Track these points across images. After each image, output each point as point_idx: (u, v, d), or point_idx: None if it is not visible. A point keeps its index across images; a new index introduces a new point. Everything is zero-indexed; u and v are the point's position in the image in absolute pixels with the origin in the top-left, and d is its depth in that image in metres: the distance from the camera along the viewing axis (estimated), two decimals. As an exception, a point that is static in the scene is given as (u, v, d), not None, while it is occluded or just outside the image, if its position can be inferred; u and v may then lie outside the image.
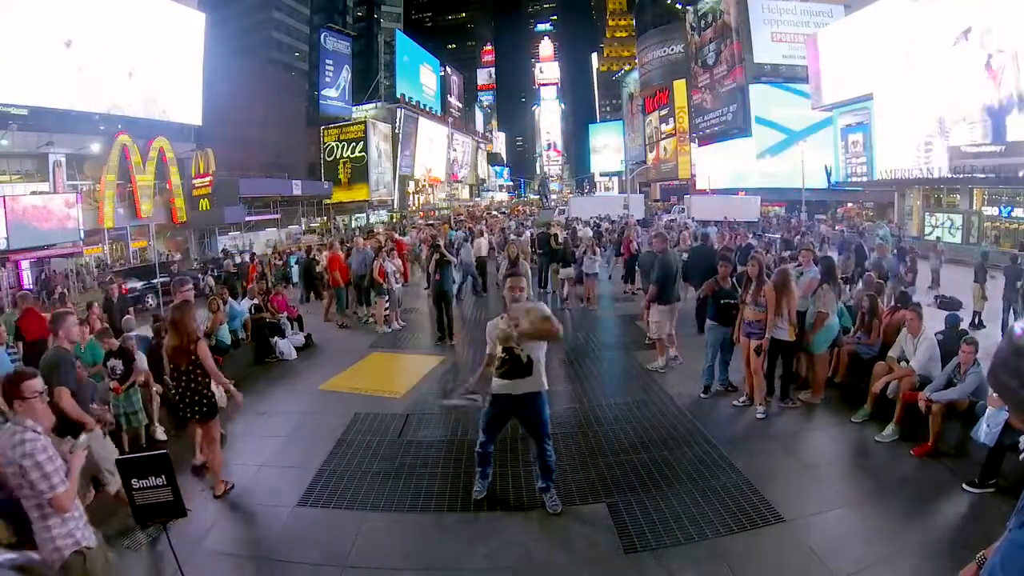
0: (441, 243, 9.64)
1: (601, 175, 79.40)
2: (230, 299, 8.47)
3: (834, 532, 3.68)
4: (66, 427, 3.70)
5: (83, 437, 3.42)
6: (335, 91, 46.37)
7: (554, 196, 63.64)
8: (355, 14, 69.23)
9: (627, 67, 74.70)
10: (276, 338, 8.22)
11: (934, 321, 6.09)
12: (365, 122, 45.69)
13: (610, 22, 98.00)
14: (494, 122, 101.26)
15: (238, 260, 16.65)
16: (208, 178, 27.16)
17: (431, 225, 29.25)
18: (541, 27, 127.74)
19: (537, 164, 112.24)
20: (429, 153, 56.34)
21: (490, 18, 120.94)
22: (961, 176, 20.87)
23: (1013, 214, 20.07)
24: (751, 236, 15.67)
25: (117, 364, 5.17)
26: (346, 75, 47.34)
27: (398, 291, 10.01)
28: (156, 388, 5.61)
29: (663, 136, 53.84)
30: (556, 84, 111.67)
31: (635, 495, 4.14)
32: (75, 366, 4.28)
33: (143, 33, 23.93)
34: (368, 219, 44.53)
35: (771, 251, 12.36)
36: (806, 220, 26.66)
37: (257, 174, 31.98)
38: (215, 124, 28.12)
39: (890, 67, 23.62)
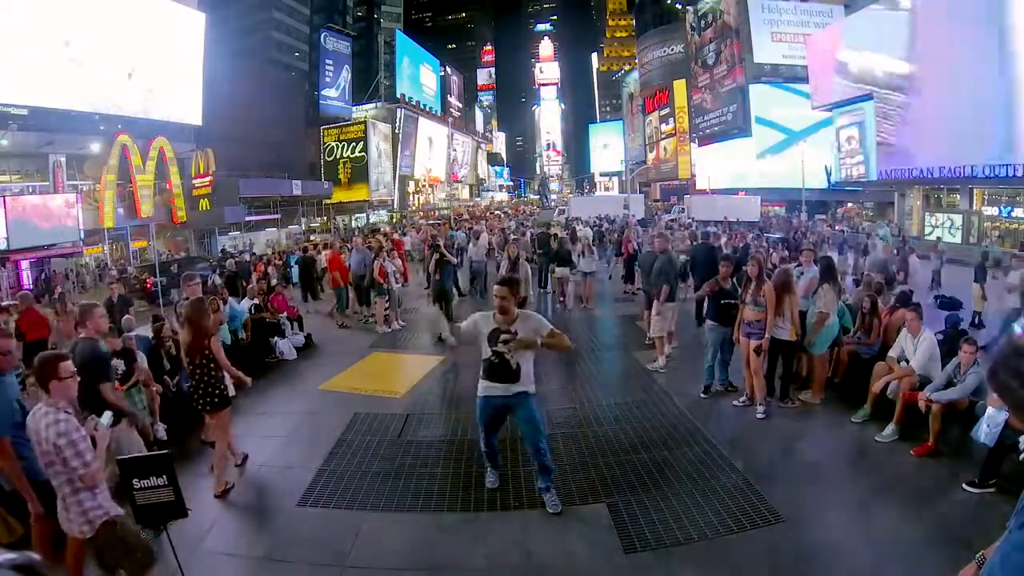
0: (441, 243, 9.64)
1: (601, 175, 79.42)
2: (230, 299, 8.47)
3: (834, 532, 3.68)
4: (89, 408, 3.73)
5: (106, 416, 3.48)
6: (335, 91, 46.39)
7: (554, 196, 63.73)
8: (355, 14, 69.22)
9: (627, 67, 74.70)
10: (276, 338, 8.21)
11: (934, 321, 6.09)
12: (365, 122, 45.70)
13: (610, 22, 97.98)
14: (494, 122, 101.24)
15: (238, 259, 16.67)
16: (208, 178, 27.17)
17: (433, 225, 29.23)
18: (541, 27, 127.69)
19: (537, 164, 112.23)
20: (429, 153, 56.36)
21: (490, 18, 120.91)
22: (961, 176, 20.88)
23: (1013, 214, 20.08)
24: (750, 236, 15.65)
25: (119, 364, 5.17)
26: (346, 75, 47.35)
27: (398, 291, 10.01)
28: (156, 388, 5.61)
29: (663, 136, 53.85)
30: (556, 84, 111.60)
31: (635, 495, 4.14)
32: (107, 356, 4.40)
33: (143, 33, 23.91)
34: (368, 219, 44.54)
35: (775, 250, 12.33)
36: (806, 220, 26.68)
37: (257, 174, 31.97)
38: (215, 124, 28.10)
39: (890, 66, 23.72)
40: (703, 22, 43.25)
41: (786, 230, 21.66)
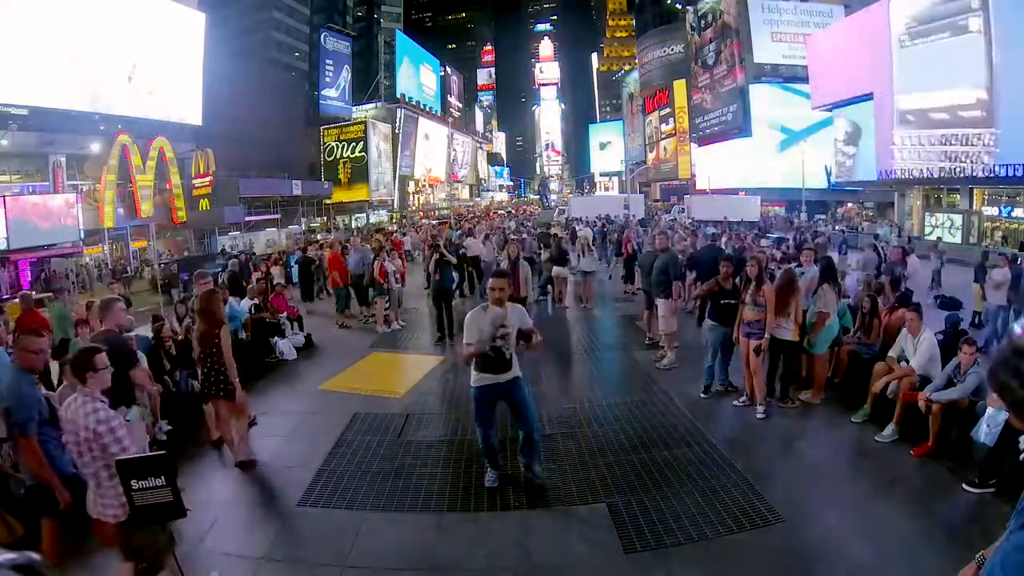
0: (441, 243, 9.63)
1: (601, 175, 79.40)
2: (230, 299, 8.46)
3: (834, 532, 3.68)
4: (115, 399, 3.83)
5: (135, 408, 3.52)
6: (335, 91, 46.41)
7: (554, 196, 63.69)
8: (355, 14, 69.25)
9: (627, 67, 74.68)
10: (276, 338, 8.21)
11: (934, 321, 6.09)
12: (365, 122, 45.73)
13: (610, 22, 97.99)
14: (494, 122, 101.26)
15: (241, 259, 16.67)
16: (208, 178, 27.18)
17: (436, 224, 29.24)
18: (541, 27, 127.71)
19: (537, 164, 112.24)
20: (429, 153, 56.37)
21: (490, 18, 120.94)
22: (961, 176, 20.87)
23: (1013, 214, 20.08)
24: (750, 236, 15.63)
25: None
26: (346, 75, 47.37)
27: (398, 291, 10.01)
28: (156, 387, 5.61)
29: (663, 136, 53.84)
30: (556, 84, 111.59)
31: (635, 495, 4.14)
32: (129, 345, 4.60)
33: (143, 33, 23.92)
34: (368, 219, 44.56)
35: (778, 250, 12.30)
36: (806, 220, 26.69)
37: (257, 174, 31.98)
38: (215, 124, 28.11)
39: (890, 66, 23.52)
40: (703, 22, 43.23)
41: (785, 230, 21.67)
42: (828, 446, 4.98)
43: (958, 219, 21.54)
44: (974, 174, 19.93)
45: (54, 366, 5.50)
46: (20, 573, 1.06)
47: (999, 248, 16.07)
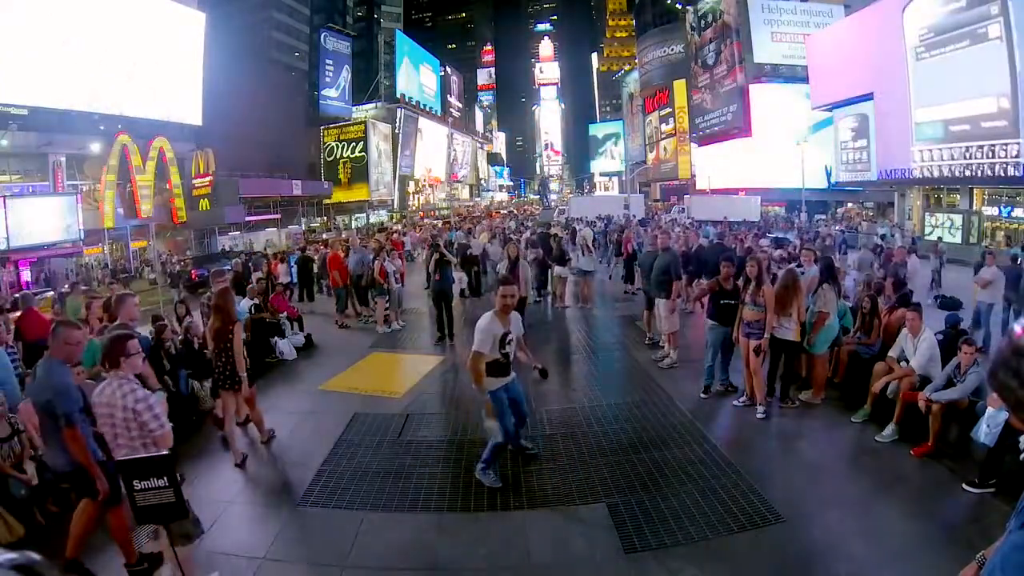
0: (441, 243, 9.62)
1: (601, 175, 79.40)
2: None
3: (834, 532, 3.68)
4: None
5: (158, 394, 3.99)
6: (335, 91, 46.41)
7: (554, 196, 63.71)
8: (355, 14, 69.25)
9: (627, 67, 74.63)
10: (276, 338, 8.21)
11: (934, 321, 6.09)
12: (365, 122, 45.73)
13: (610, 22, 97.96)
14: (494, 122, 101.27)
15: (244, 258, 16.70)
16: (208, 178, 27.18)
17: (437, 224, 29.27)
18: (541, 27, 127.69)
19: (537, 164, 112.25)
20: (429, 153, 56.36)
21: (490, 18, 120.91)
22: (961, 176, 20.85)
23: (1013, 214, 20.07)
24: (750, 236, 15.62)
25: None
26: (346, 75, 47.37)
27: (398, 291, 10.01)
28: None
29: (663, 136, 53.81)
30: (556, 84, 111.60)
31: (635, 495, 4.14)
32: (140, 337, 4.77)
33: (143, 33, 23.94)
34: (368, 219, 44.57)
35: (789, 250, 12.28)
36: (806, 220, 26.68)
37: (257, 174, 31.99)
38: (215, 124, 28.12)
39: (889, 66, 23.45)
40: (703, 22, 43.21)
41: (786, 230, 21.66)
42: (828, 446, 4.97)
43: (958, 219, 21.52)
44: (996, 175, 19.42)
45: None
46: (20, 573, 1.06)
47: (990, 246, 15.99)
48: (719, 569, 3.38)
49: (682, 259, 9.16)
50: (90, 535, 3.48)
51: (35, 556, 1.11)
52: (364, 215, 45.30)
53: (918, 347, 5.07)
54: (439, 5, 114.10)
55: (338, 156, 44.89)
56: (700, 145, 45.88)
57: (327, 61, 45.62)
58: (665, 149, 53.79)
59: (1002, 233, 20.24)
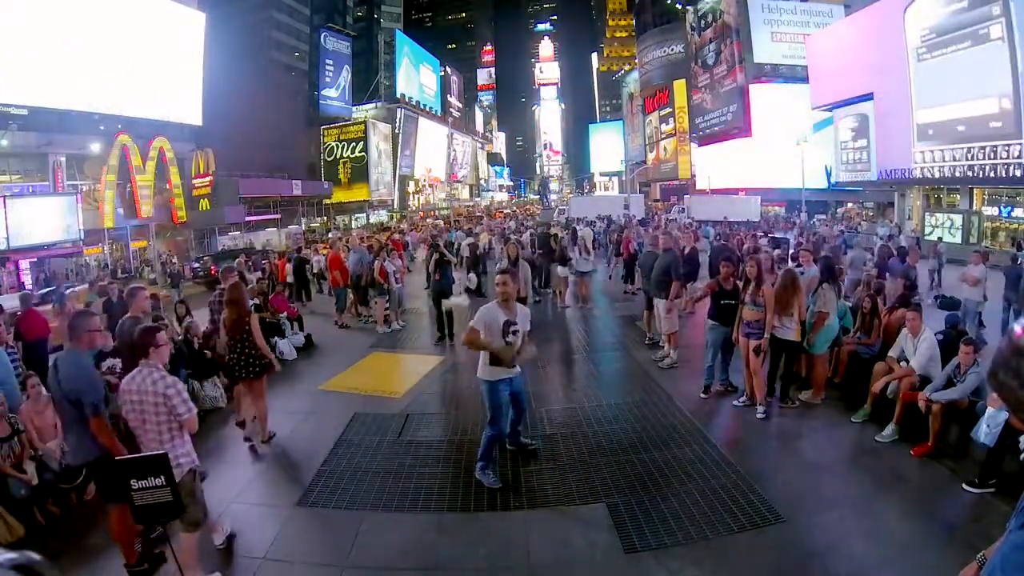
0: (441, 243, 9.62)
1: (601, 175, 79.36)
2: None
3: (834, 532, 3.68)
4: None
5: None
6: (335, 91, 46.42)
7: (554, 196, 63.72)
8: (355, 14, 69.23)
9: (627, 67, 74.61)
10: (276, 338, 8.20)
11: (934, 321, 6.09)
12: (365, 122, 45.75)
13: (610, 22, 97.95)
14: (494, 122, 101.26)
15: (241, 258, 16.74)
16: (208, 178, 27.19)
17: (439, 224, 29.23)
18: (541, 27, 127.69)
19: (537, 164, 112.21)
20: (429, 153, 56.36)
21: (490, 18, 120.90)
22: (961, 176, 20.83)
23: (1013, 214, 20.04)
24: (748, 236, 15.61)
25: (116, 363, 5.18)
26: (346, 75, 47.38)
27: (398, 291, 10.01)
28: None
29: (663, 136, 53.79)
30: (556, 84, 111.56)
31: (635, 495, 4.14)
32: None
33: (143, 33, 23.93)
34: (368, 219, 44.59)
35: (780, 249, 12.28)
36: (807, 220, 26.67)
37: (257, 174, 31.99)
38: (215, 124, 28.12)
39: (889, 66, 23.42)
40: (703, 22, 43.20)
41: (786, 229, 21.64)
42: (828, 446, 4.97)
43: (958, 219, 21.50)
44: (998, 175, 19.30)
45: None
46: (20, 573, 1.06)
47: (987, 246, 15.91)
48: (719, 569, 3.38)
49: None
50: (135, 533, 3.51)
51: (35, 556, 1.11)
52: (364, 215, 45.31)
53: (918, 347, 5.07)
54: (439, 5, 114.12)
55: (338, 156, 44.91)
56: (700, 145, 45.87)
57: (327, 61, 45.63)
58: (665, 149, 53.77)
59: (1004, 234, 20.15)
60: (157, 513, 3.06)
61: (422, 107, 56.79)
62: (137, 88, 23.81)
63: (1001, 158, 19.00)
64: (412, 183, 53.52)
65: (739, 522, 3.76)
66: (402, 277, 10.78)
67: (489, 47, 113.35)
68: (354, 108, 48.81)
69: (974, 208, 21.51)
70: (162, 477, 2.97)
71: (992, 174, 19.54)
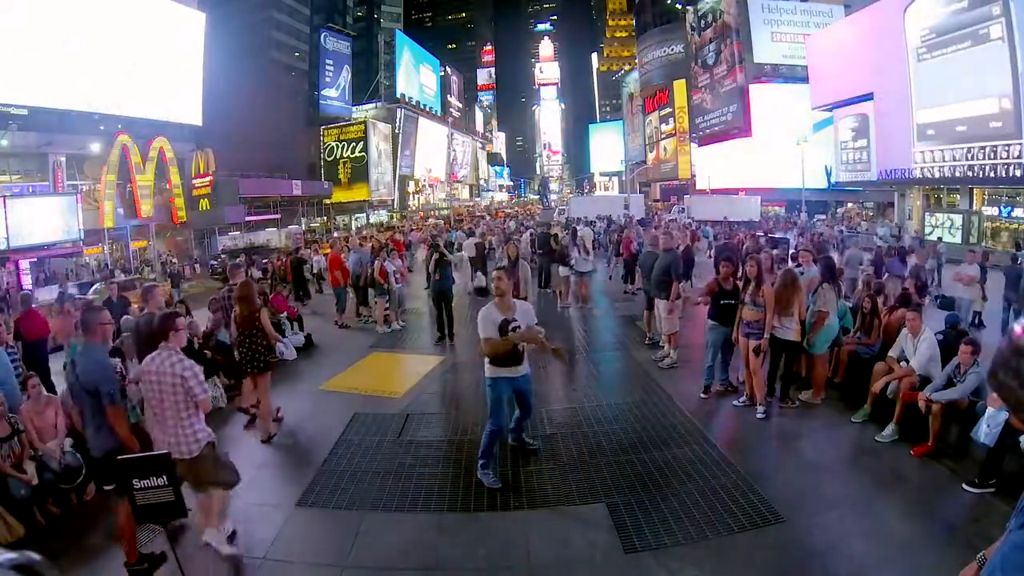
0: (441, 243, 9.62)
1: (601, 175, 79.35)
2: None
3: (834, 532, 3.68)
4: None
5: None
6: (335, 91, 46.42)
7: (554, 196, 63.69)
8: (355, 14, 69.21)
9: (627, 67, 74.60)
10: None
11: (934, 321, 6.09)
12: (365, 122, 45.75)
13: (610, 22, 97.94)
14: (494, 122, 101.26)
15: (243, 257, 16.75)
16: (208, 178, 27.19)
17: (440, 223, 29.24)
18: (541, 27, 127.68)
19: (537, 164, 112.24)
20: (429, 153, 56.36)
21: (490, 18, 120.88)
22: (961, 176, 20.82)
23: (1013, 214, 20.04)
24: (749, 237, 15.60)
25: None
26: (346, 75, 47.38)
27: (398, 291, 10.01)
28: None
29: (663, 136, 53.79)
30: (556, 84, 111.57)
31: (635, 495, 4.14)
32: None
33: (143, 33, 23.93)
34: (368, 219, 44.59)
35: (778, 249, 12.27)
36: (807, 220, 26.68)
37: (257, 174, 31.99)
38: (215, 124, 28.12)
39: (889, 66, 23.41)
40: (703, 22, 43.20)
41: (786, 229, 21.63)
42: (828, 446, 4.97)
43: (958, 219, 21.51)
44: (998, 175, 19.27)
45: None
46: (20, 573, 1.06)
47: (987, 246, 15.88)
48: (719, 569, 3.38)
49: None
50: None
51: (35, 556, 1.11)
52: (364, 215, 45.32)
53: (918, 347, 5.07)
54: (439, 5, 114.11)
55: (338, 156, 44.91)
56: (700, 145, 45.87)
57: (327, 61, 45.63)
58: (665, 149, 53.77)
59: (1007, 234, 20.08)
60: (159, 513, 3.07)
61: (422, 107, 56.79)
62: (137, 88, 23.80)
63: (1001, 158, 19.00)
64: (412, 183, 53.52)
65: (739, 522, 3.76)
66: (402, 277, 10.78)
67: (489, 47, 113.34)
68: (354, 108, 48.82)
69: (974, 208, 21.50)
70: (164, 477, 2.98)
71: (992, 174, 19.54)
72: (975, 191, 21.48)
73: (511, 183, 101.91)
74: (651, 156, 56.34)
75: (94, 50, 21.75)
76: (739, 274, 6.12)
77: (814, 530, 3.70)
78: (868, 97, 25.93)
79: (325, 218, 40.83)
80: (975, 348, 4.59)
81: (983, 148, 19.66)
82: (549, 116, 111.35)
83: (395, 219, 46.63)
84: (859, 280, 8.94)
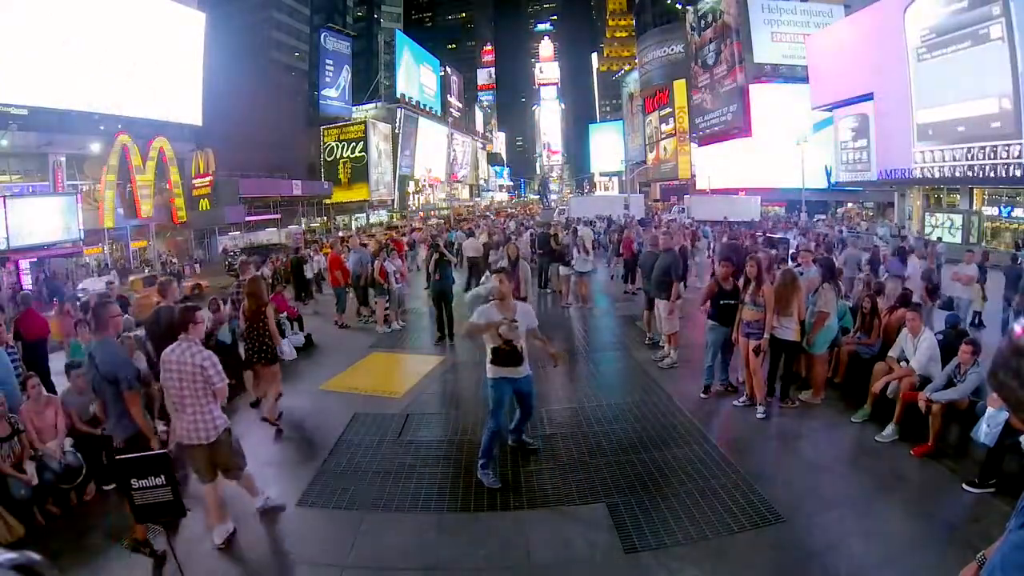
0: (441, 243, 9.61)
1: (601, 175, 79.36)
2: (231, 299, 8.46)
3: (834, 532, 3.68)
4: None
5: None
6: (335, 91, 46.46)
7: (554, 196, 63.73)
8: (355, 14, 69.24)
9: (627, 67, 74.63)
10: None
11: (933, 321, 6.09)
12: (365, 122, 45.78)
13: (610, 22, 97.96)
14: (494, 122, 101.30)
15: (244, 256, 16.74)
16: (208, 178, 27.21)
17: (440, 223, 29.24)
18: (541, 27, 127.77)
19: (537, 164, 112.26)
20: (429, 153, 56.36)
21: (490, 18, 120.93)
22: (961, 176, 20.83)
23: (1013, 214, 20.05)
24: (748, 237, 15.59)
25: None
26: (346, 75, 47.43)
27: (398, 291, 10.01)
28: (156, 386, 5.61)
29: (663, 136, 53.81)
30: (556, 84, 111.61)
31: (635, 495, 4.14)
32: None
33: (143, 33, 23.95)
34: (368, 219, 44.60)
35: (777, 250, 12.26)
36: (806, 220, 26.68)
37: (257, 174, 32.01)
38: (215, 124, 28.14)
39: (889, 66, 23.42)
40: (703, 22, 43.22)
41: (786, 229, 21.63)
42: (828, 446, 4.97)
43: (958, 219, 21.52)
44: (998, 175, 19.25)
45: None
46: (20, 573, 1.06)
47: (986, 246, 15.88)
48: (719, 569, 3.37)
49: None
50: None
51: (35, 556, 1.11)
52: (364, 215, 45.33)
53: (918, 347, 5.07)
54: (439, 5, 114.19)
55: (338, 156, 44.93)
56: (700, 145, 45.89)
57: (327, 61, 45.67)
58: (665, 149, 53.79)
59: (1010, 234, 20.08)
60: (157, 512, 3.07)
61: (422, 107, 56.81)
62: (137, 88, 23.82)
63: (1001, 158, 19.03)
64: (412, 183, 53.54)
65: (739, 522, 3.76)
66: (402, 277, 10.78)
67: (489, 47, 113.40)
68: (354, 108, 48.86)
69: (974, 208, 21.51)
70: (162, 476, 2.97)
71: (992, 174, 19.56)
72: (975, 191, 21.49)
73: (511, 183, 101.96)
74: (651, 156, 56.35)
75: (94, 50, 21.77)
76: (738, 274, 6.11)
77: (814, 530, 3.70)
78: (868, 97, 25.94)
79: (325, 218, 40.85)
80: (975, 348, 4.59)
81: (983, 148, 19.68)
82: (549, 116, 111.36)
83: (395, 218, 46.64)
84: (857, 280, 8.95)
